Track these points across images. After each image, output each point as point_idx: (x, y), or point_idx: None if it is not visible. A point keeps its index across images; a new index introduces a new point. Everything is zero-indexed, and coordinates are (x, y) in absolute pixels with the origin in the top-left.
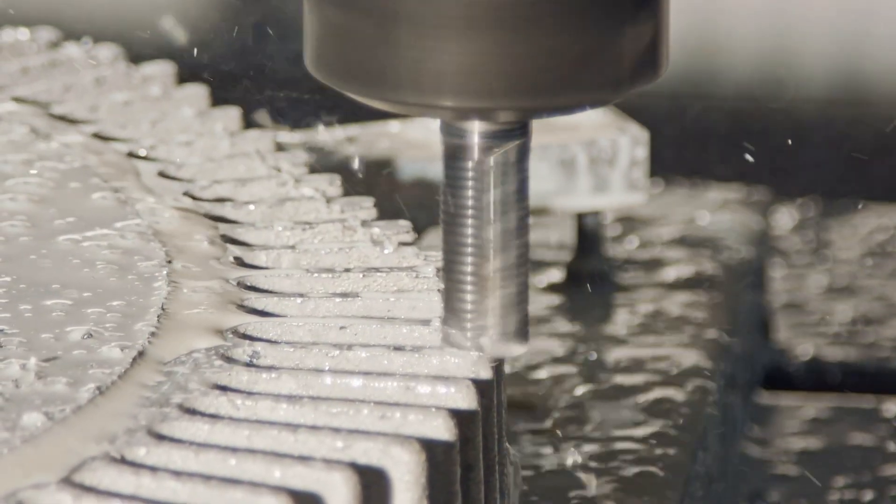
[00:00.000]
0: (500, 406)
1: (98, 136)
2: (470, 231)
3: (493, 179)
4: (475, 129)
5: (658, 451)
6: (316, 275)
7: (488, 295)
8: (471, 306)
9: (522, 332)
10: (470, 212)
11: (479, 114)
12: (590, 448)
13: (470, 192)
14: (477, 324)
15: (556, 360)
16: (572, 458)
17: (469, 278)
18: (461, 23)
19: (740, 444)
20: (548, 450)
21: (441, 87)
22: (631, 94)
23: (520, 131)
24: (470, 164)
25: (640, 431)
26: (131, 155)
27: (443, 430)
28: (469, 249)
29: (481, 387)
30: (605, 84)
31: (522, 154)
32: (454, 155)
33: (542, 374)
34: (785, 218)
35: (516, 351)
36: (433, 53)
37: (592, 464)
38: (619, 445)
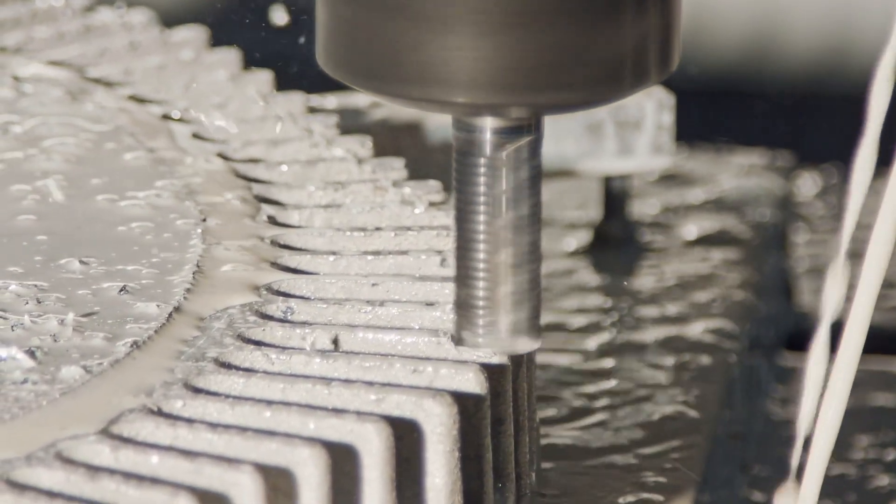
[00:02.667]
0: (531, 360)
1: (133, 99)
2: (481, 227)
3: (504, 175)
4: (487, 126)
5: (683, 411)
6: (348, 233)
7: (499, 291)
8: (482, 302)
9: (534, 327)
10: (481, 207)
11: (490, 110)
12: (612, 408)
13: (481, 189)
14: (488, 320)
15: (582, 318)
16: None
17: (480, 274)
18: (473, 19)
19: (765, 404)
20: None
21: (453, 84)
22: (641, 91)
23: (532, 128)
24: (482, 160)
25: (666, 392)
26: (166, 117)
27: (474, 383)
28: (480, 245)
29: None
30: (615, 81)
31: (534, 150)
32: (466, 151)
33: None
34: (808, 184)
35: (528, 347)
36: (445, 50)
37: (614, 425)
38: (644, 406)
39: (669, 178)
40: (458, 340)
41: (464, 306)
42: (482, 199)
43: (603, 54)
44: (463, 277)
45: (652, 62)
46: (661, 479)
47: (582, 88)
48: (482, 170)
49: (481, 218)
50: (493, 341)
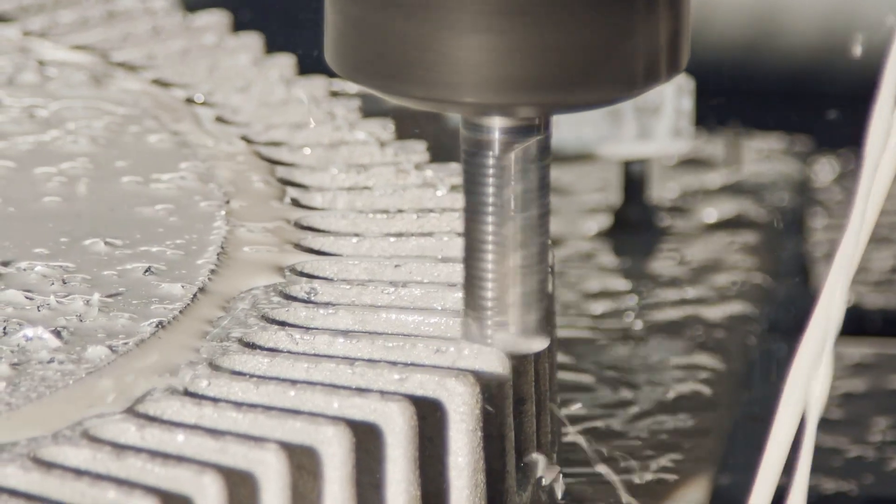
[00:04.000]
0: (552, 341)
1: (156, 83)
2: (490, 227)
3: (513, 175)
4: (496, 125)
5: (703, 391)
6: (371, 216)
7: (508, 290)
8: (491, 302)
9: (543, 327)
10: (490, 207)
11: (499, 110)
12: (632, 391)
13: (490, 189)
14: (497, 319)
15: (603, 302)
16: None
17: (490, 274)
18: (481, 19)
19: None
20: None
21: (461, 84)
22: (650, 91)
23: (541, 127)
24: (491, 160)
25: (685, 372)
26: (189, 101)
27: (496, 363)
28: (489, 246)
29: None
30: (624, 80)
31: (543, 150)
32: (475, 150)
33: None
34: (825, 169)
35: (537, 346)
36: (453, 50)
37: (633, 409)
38: (666, 386)
39: (688, 163)
40: (467, 337)
41: (472, 306)
42: (491, 198)
43: (612, 54)
44: (471, 277)
45: (661, 61)
46: (679, 457)
47: (591, 88)
48: (491, 170)
49: (490, 217)
50: (502, 341)
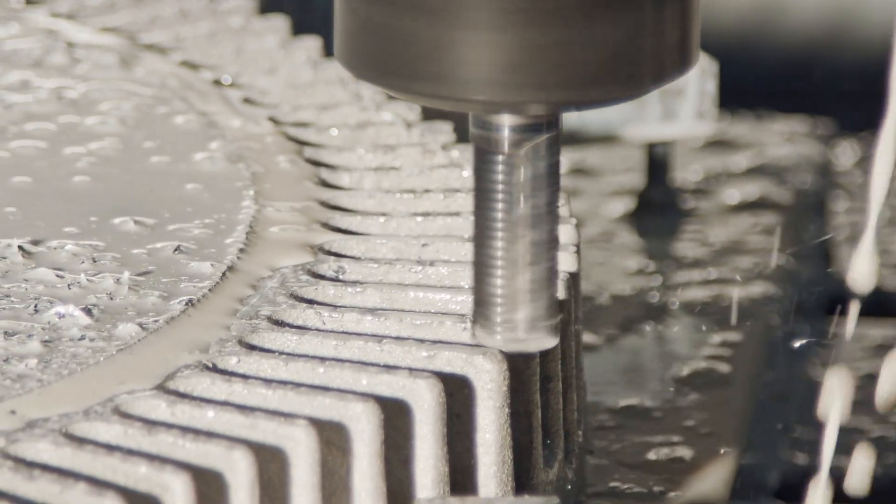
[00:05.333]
0: (578, 320)
1: (184, 65)
2: (499, 224)
3: (523, 173)
4: (505, 123)
5: (726, 371)
6: (398, 195)
7: (516, 288)
8: (499, 300)
9: (552, 326)
10: (499, 204)
11: (509, 107)
12: (655, 365)
13: (499, 186)
14: (505, 318)
15: (625, 282)
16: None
17: (498, 272)
18: (490, 16)
19: (806, 367)
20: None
21: (470, 81)
22: (660, 88)
23: (551, 125)
24: (500, 158)
25: (707, 352)
26: (217, 82)
27: None
28: (498, 243)
29: (560, 302)
30: (634, 78)
31: (553, 147)
32: (484, 148)
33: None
34: (847, 152)
35: (546, 345)
36: (463, 47)
37: (654, 386)
38: (688, 363)
39: (712, 145)
40: (474, 338)
41: (480, 304)
42: (500, 196)
43: (622, 51)
44: (480, 274)
45: (671, 58)
46: (701, 430)
47: (600, 86)
48: (500, 166)
49: (499, 215)
50: (510, 339)
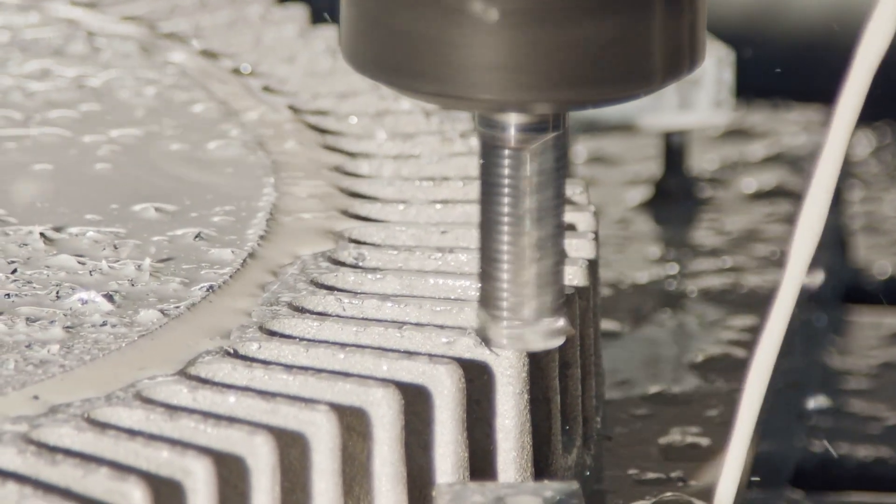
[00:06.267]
0: (596, 308)
1: (204, 53)
2: (506, 238)
3: (529, 172)
4: (511, 122)
5: (743, 358)
6: (417, 183)
7: (523, 288)
8: (506, 303)
9: (556, 324)
10: (505, 199)
11: (515, 107)
12: (673, 352)
13: (505, 184)
14: (511, 318)
15: (642, 270)
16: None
17: (504, 274)
18: (498, 16)
19: (822, 354)
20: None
21: (476, 81)
22: (666, 87)
23: (557, 124)
24: (506, 157)
25: (723, 339)
26: (236, 71)
27: None
28: (504, 241)
29: (578, 290)
30: (640, 77)
31: (559, 146)
32: (490, 147)
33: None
34: (862, 143)
35: (552, 344)
36: (469, 47)
37: (670, 374)
38: (706, 347)
39: (729, 134)
40: (481, 338)
41: (487, 304)
42: (506, 193)
43: (628, 51)
44: (486, 274)
45: (678, 58)
46: (718, 418)
47: (606, 86)
48: (507, 160)
49: (506, 211)
50: (517, 339)
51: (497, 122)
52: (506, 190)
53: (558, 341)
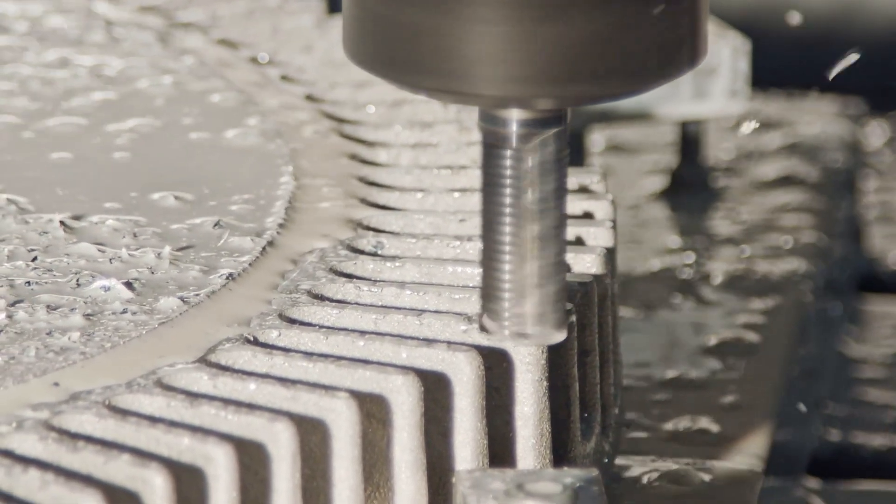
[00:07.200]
0: (614, 296)
1: (222, 43)
2: (507, 217)
3: (531, 167)
4: (513, 117)
5: (759, 345)
6: (435, 171)
7: (525, 282)
8: (508, 294)
9: (561, 320)
10: (508, 197)
11: (517, 102)
12: (689, 340)
13: (508, 180)
14: (514, 312)
15: (657, 259)
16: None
17: (506, 266)
18: (499, 11)
19: (838, 343)
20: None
21: (479, 76)
22: (668, 83)
23: (559, 119)
24: (508, 152)
25: (739, 327)
26: (254, 60)
27: None
28: (507, 236)
29: (596, 277)
30: (643, 72)
31: (561, 141)
32: (492, 142)
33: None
34: (877, 133)
35: (555, 339)
36: (471, 42)
37: (686, 361)
38: (722, 334)
39: (745, 123)
40: (484, 331)
41: (489, 298)
42: (508, 189)
43: (630, 46)
44: (488, 268)
45: (680, 53)
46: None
47: (609, 81)
48: (509, 160)
49: (507, 203)
50: (519, 334)
51: (499, 117)
52: (507, 184)
53: (561, 336)
